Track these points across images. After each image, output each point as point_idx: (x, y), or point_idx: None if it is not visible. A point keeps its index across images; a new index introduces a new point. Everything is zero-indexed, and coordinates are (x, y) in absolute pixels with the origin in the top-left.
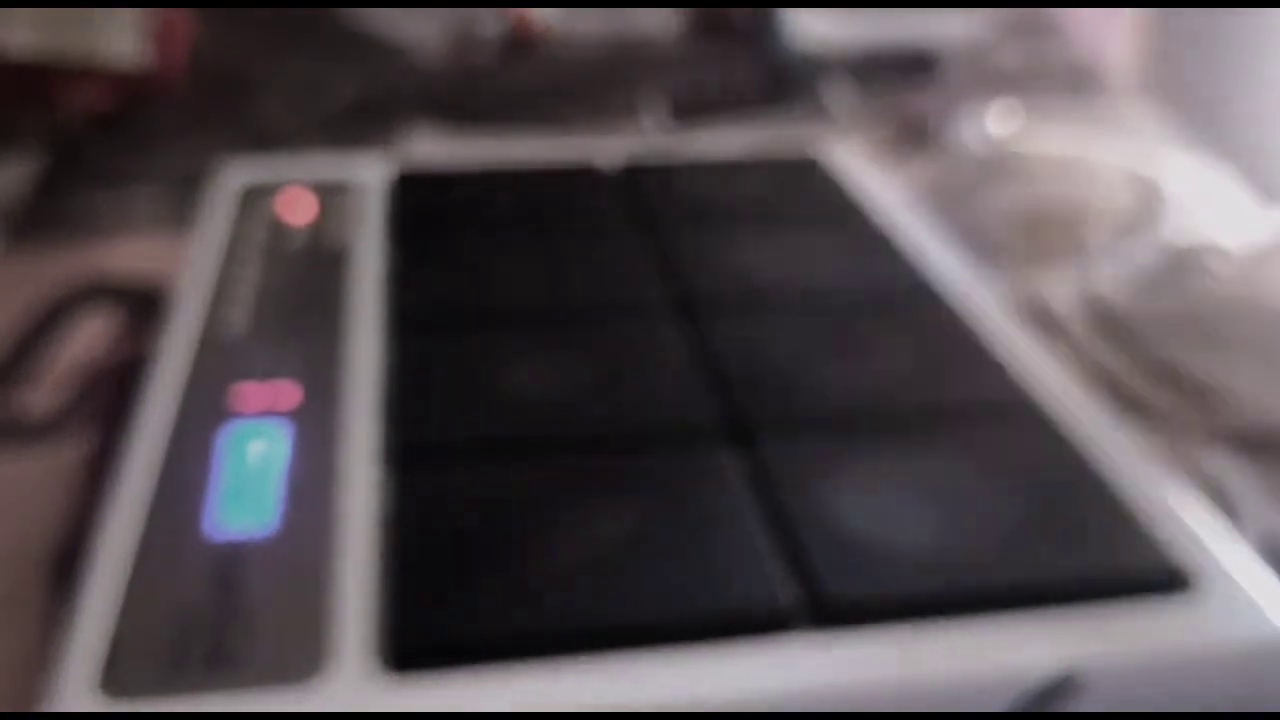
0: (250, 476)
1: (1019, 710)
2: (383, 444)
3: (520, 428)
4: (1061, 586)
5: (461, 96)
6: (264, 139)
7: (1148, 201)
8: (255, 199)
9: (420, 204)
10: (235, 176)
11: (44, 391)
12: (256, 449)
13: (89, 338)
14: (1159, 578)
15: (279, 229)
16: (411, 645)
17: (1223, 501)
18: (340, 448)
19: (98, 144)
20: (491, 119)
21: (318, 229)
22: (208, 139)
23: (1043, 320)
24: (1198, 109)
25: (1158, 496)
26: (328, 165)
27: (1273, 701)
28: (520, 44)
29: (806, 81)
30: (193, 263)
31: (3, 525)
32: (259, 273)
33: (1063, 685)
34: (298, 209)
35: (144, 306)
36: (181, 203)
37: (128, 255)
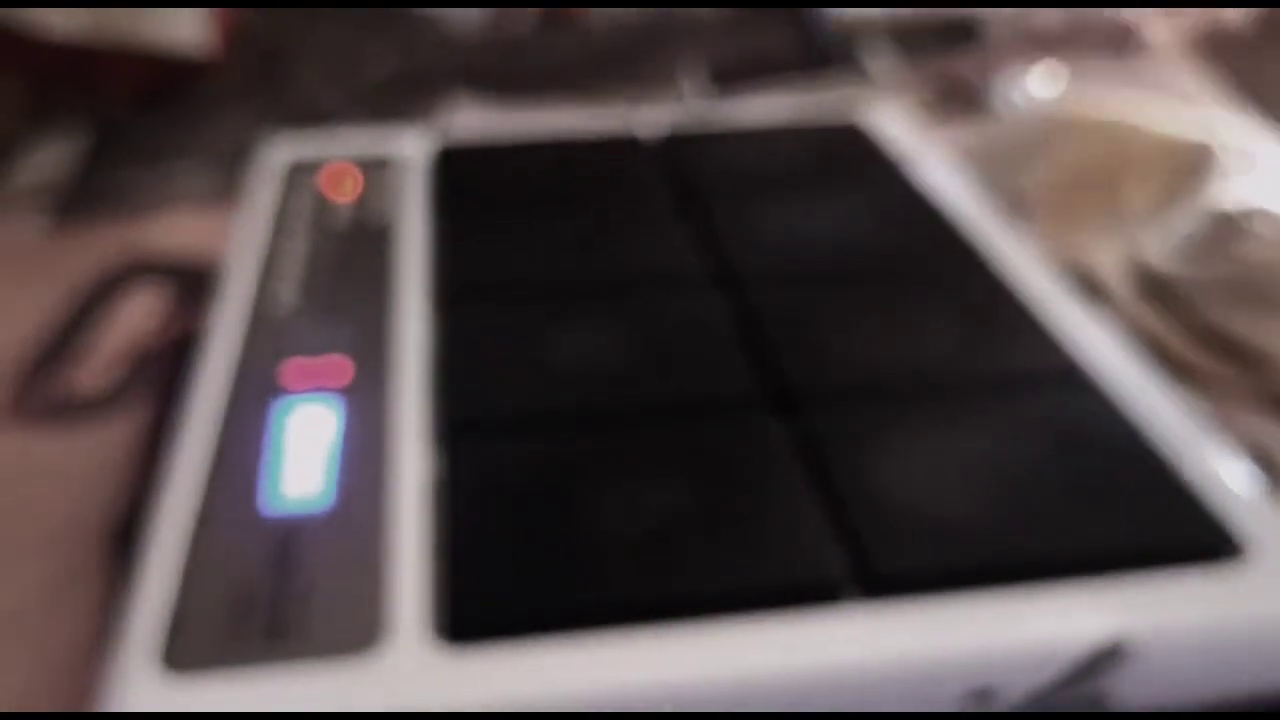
0: (304, 451)
1: (1067, 677)
2: (434, 418)
3: (569, 400)
4: (1110, 555)
5: (500, 68)
6: (305, 113)
7: (1193, 165)
8: (299, 174)
9: (463, 178)
10: (279, 152)
11: (94, 369)
12: (309, 424)
13: (137, 315)
14: (1209, 546)
15: (324, 204)
16: (468, 617)
17: (1273, 468)
18: (392, 422)
19: (141, 122)
20: (530, 90)
21: (362, 204)
22: (250, 114)
23: (1088, 285)
24: (1241, 70)
25: (1207, 463)
26: (370, 140)
27: None
28: (558, 15)
29: (846, 48)
30: (240, 239)
31: (57, 500)
32: (305, 248)
33: (1110, 653)
34: (342, 184)
35: (190, 283)
36: (225, 178)
37: (173, 232)
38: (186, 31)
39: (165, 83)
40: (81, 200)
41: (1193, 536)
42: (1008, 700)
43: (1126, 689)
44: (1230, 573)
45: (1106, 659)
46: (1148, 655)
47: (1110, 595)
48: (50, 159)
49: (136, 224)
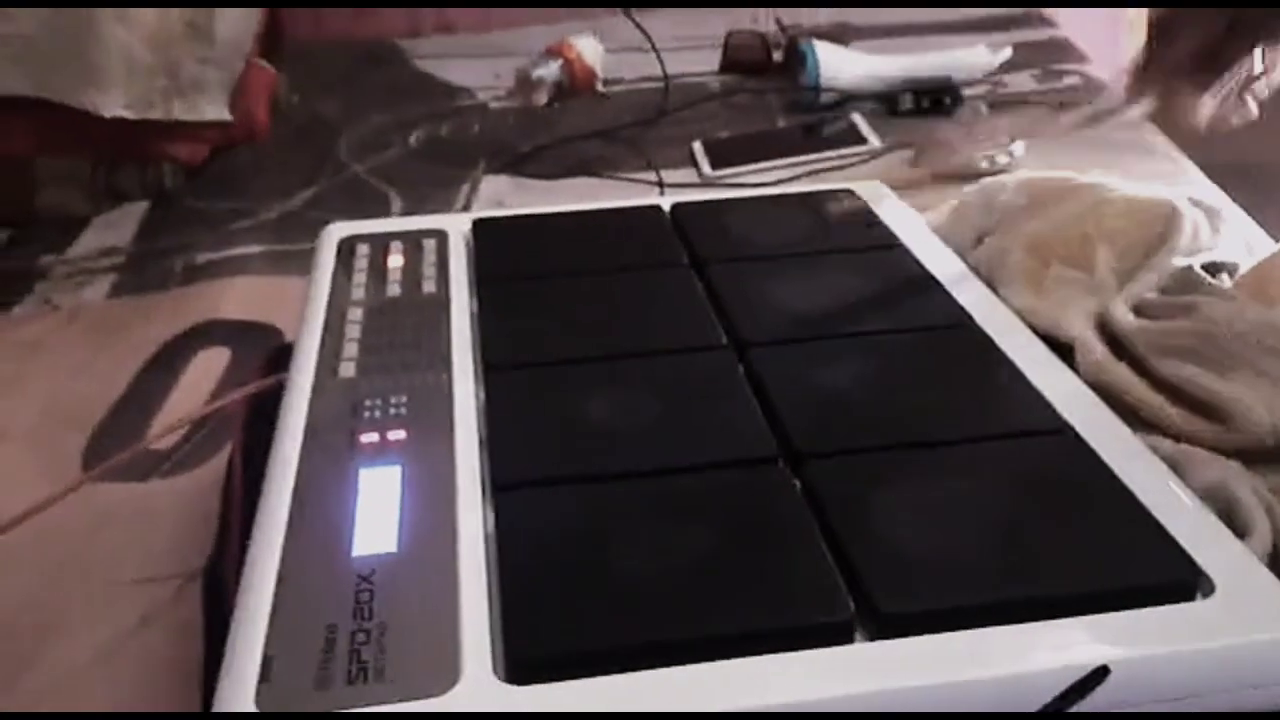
0: (373, 507)
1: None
2: (485, 477)
3: (605, 458)
4: (1094, 593)
5: (522, 141)
6: (347, 182)
7: (1160, 227)
8: (355, 253)
9: (498, 251)
10: (336, 233)
11: (165, 425)
12: (376, 482)
13: (203, 375)
14: (1183, 584)
15: (376, 279)
16: (525, 661)
17: (1235, 512)
18: (449, 480)
19: (193, 192)
20: (550, 162)
21: (410, 278)
22: (295, 182)
23: (1064, 344)
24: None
25: (1179, 509)
26: (414, 219)
27: None
28: (573, 88)
29: (838, 118)
30: (306, 314)
31: (136, 547)
32: (362, 320)
33: (1096, 680)
34: (391, 261)
35: (249, 343)
36: (274, 242)
37: (232, 297)
38: (209, 104)
39: (214, 153)
40: (140, 268)
41: (1169, 576)
42: None
43: (1110, 714)
44: (1202, 608)
45: (1091, 684)
46: (1130, 682)
47: (1095, 629)
48: (111, 231)
49: (199, 290)
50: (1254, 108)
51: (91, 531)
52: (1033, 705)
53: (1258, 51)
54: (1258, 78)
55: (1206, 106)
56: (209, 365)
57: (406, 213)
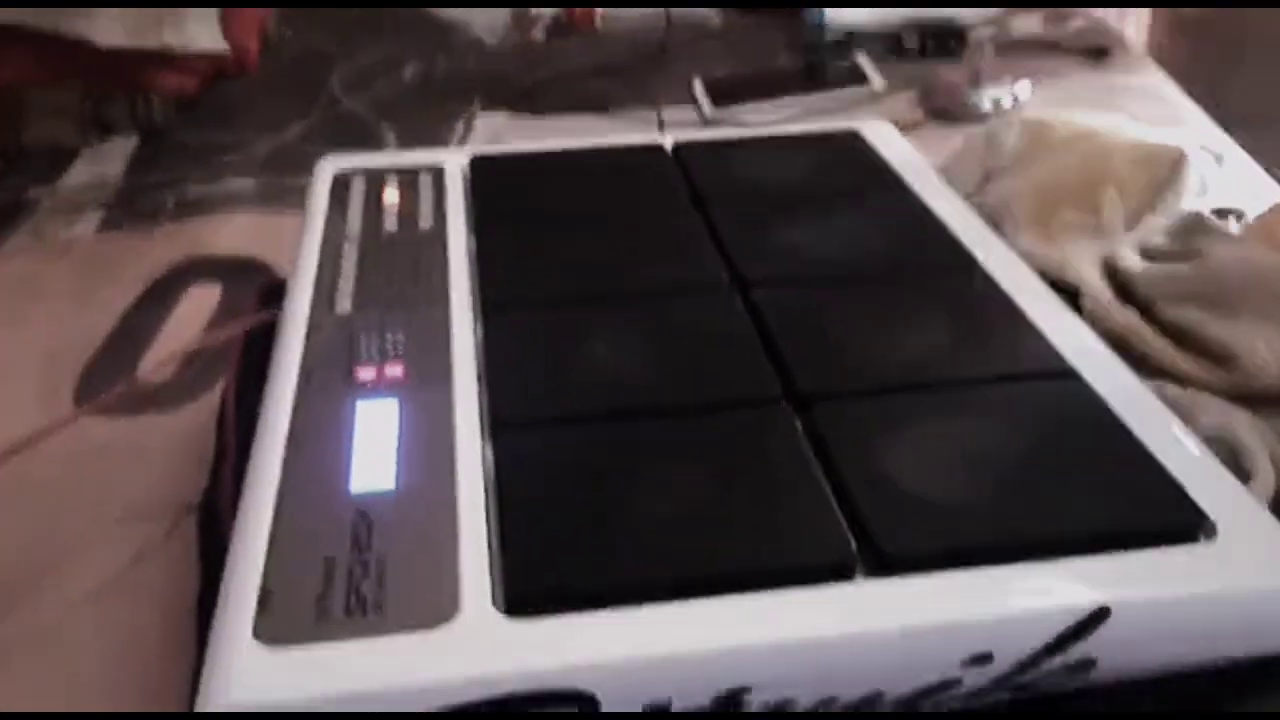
0: (370, 443)
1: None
2: (484, 415)
3: (604, 398)
4: (1096, 534)
5: (519, 76)
6: (334, 116)
7: (1168, 172)
8: (350, 187)
9: (496, 188)
10: (330, 167)
11: (157, 360)
12: (373, 418)
13: (194, 311)
14: (1185, 527)
15: (372, 214)
16: (525, 594)
17: (1238, 456)
18: (447, 417)
19: (184, 125)
20: (548, 98)
21: (406, 214)
22: (287, 116)
23: (1070, 288)
24: (1209, 80)
25: (1182, 452)
26: (411, 154)
27: None
28: (572, 25)
29: (842, 57)
30: (300, 248)
31: (129, 482)
32: (358, 255)
33: (1095, 620)
34: (387, 196)
35: (241, 279)
36: (266, 176)
37: (224, 233)
38: (200, 33)
39: (205, 86)
40: (131, 202)
41: (1171, 518)
42: (1003, 664)
43: (1109, 656)
44: (1204, 551)
45: (1091, 625)
46: (1129, 624)
47: (1096, 570)
48: (101, 165)
49: (190, 225)
50: None
51: (83, 467)
52: (1033, 645)
53: None
54: None
55: None
56: (200, 301)
57: (401, 147)
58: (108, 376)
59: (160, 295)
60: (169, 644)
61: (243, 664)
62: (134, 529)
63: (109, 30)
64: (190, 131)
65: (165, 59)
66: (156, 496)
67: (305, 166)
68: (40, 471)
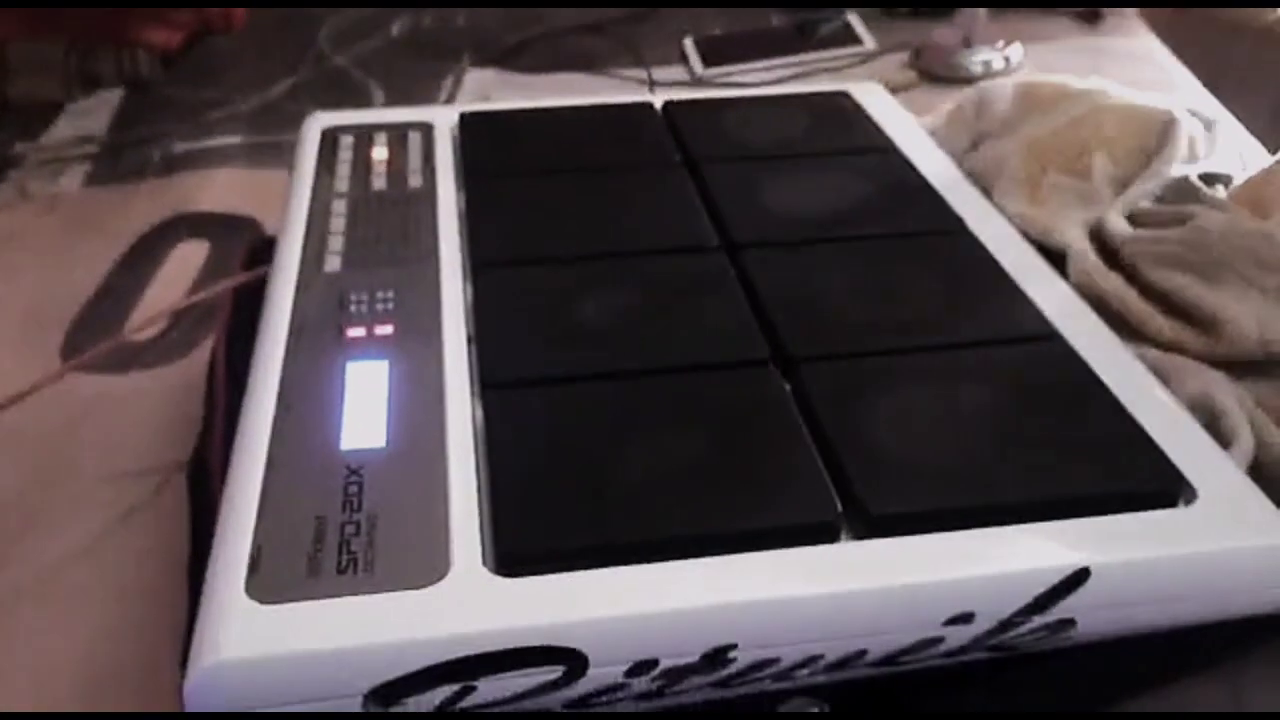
0: (361, 401)
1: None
2: (474, 374)
3: (593, 358)
4: (1078, 497)
5: (508, 33)
6: (327, 73)
7: (1157, 137)
8: (338, 145)
9: (486, 146)
10: (318, 124)
11: (145, 317)
12: (363, 377)
13: (182, 267)
14: (1165, 490)
15: (361, 172)
16: (515, 553)
17: (1219, 421)
18: (437, 376)
19: (171, 81)
20: (537, 56)
21: (395, 171)
22: (275, 72)
23: (1057, 251)
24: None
25: (1163, 416)
26: (400, 111)
27: (1261, 602)
28: None
29: (833, 17)
30: (289, 205)
31: (117, 439)
32: (347, 213)
33: (1075, 581)
34: (376, 154)
35: (228, 236)
36: (253, 132)
37: (211, 188)
38: None
39: (191, 40)
40: (117, 157)
41: (1151, 482)
42: (984, 624)
43: (1088, 616)
44: (1183, 514)
45: (1071, 586)
46: (1109, 585)
47: (1077, 532)
48: (86, 119)
49: (176, 181)
50: None
51: (71, 424)
52: (1015, 605)
53: None
54: None
55: None
56: (188, 257)
57: (389, 104)
58: (95, 332)
59: (147, 251)
60: (161, 599)
61: (235, 620)
62: (124, 485)
63: None
64: (177, 87)
65: (151, 13)
66: (146, 453)
67: (293, 123)
68: (28, 427)
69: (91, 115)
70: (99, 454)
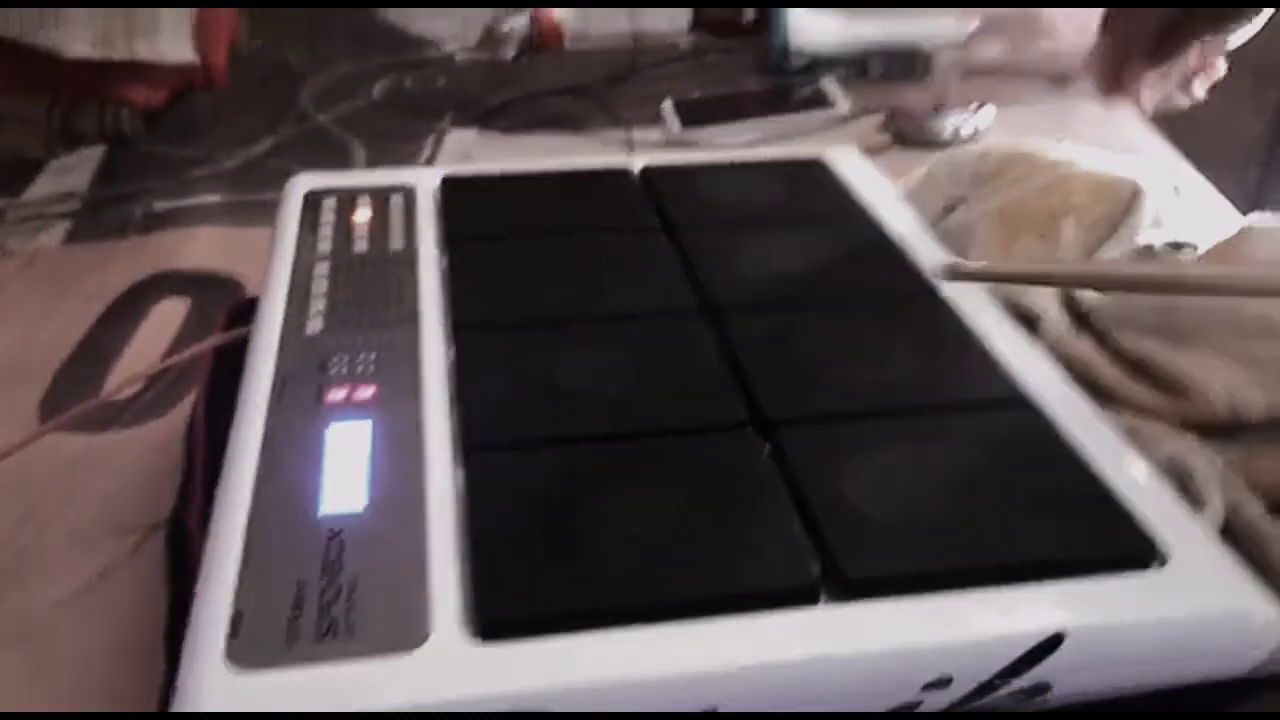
0: (342, 464)
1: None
2: (455, 436)
3: (574, 421)
4: (1051, 561)
5: (488, 94)
6: (309, 131)
7: (1124, 203)
8: (321, 207)
9: (467, 208)
10: (301, 186)
11: (124, 377)
12: (344, 439)
13: (162, 325)
14: (1137, 554)
15: (343, 233)
16: (496, 618)
17: (1191, 484)
18: (418, 440)
19: (153, 138)
20: (517, 116)
21: (377, 233)
22: (256, 130)
23: (1028, 316)
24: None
25: (1135, 480)
26: (382, 174)
27: (1232, 665)
28: (541, 43)
29: (808, 80)
30: (271, 267)
31: (94, 497)
32: (329, 274)
33: (1050, 645)
34: (359, 215)
35: (209, 294)
36: (234, 191)
37: (192, 246)
38: (171, 44)
39: (173, 97)
40: (99, 213)
41: (1123, 546)
42: (961, 688)
43: (1063, 680)
44: (1155, 578)
45: (1047, 650)
46: (1083, 649)
47: (1051, 596)
48: (70, 172)
49: (157, 238)
50: (1195, 93)
51: (48, 482)
52: (991, 670)
53: (1197, 47)
54: (1195, 73)
55: (1152, 87)
56: (169, 315)
57: (370, 163)
58: (74, 390)
59: (128, 309)
60: (136, 661)
61: (214, 687)
62: (99, 545)
63: (78, 41)
64: (158, 144)
65: (134, 70)
66: (123, 512)
67: (274, 181)
68: (3, 485)
69: (73, 172)
70: (75, 513)
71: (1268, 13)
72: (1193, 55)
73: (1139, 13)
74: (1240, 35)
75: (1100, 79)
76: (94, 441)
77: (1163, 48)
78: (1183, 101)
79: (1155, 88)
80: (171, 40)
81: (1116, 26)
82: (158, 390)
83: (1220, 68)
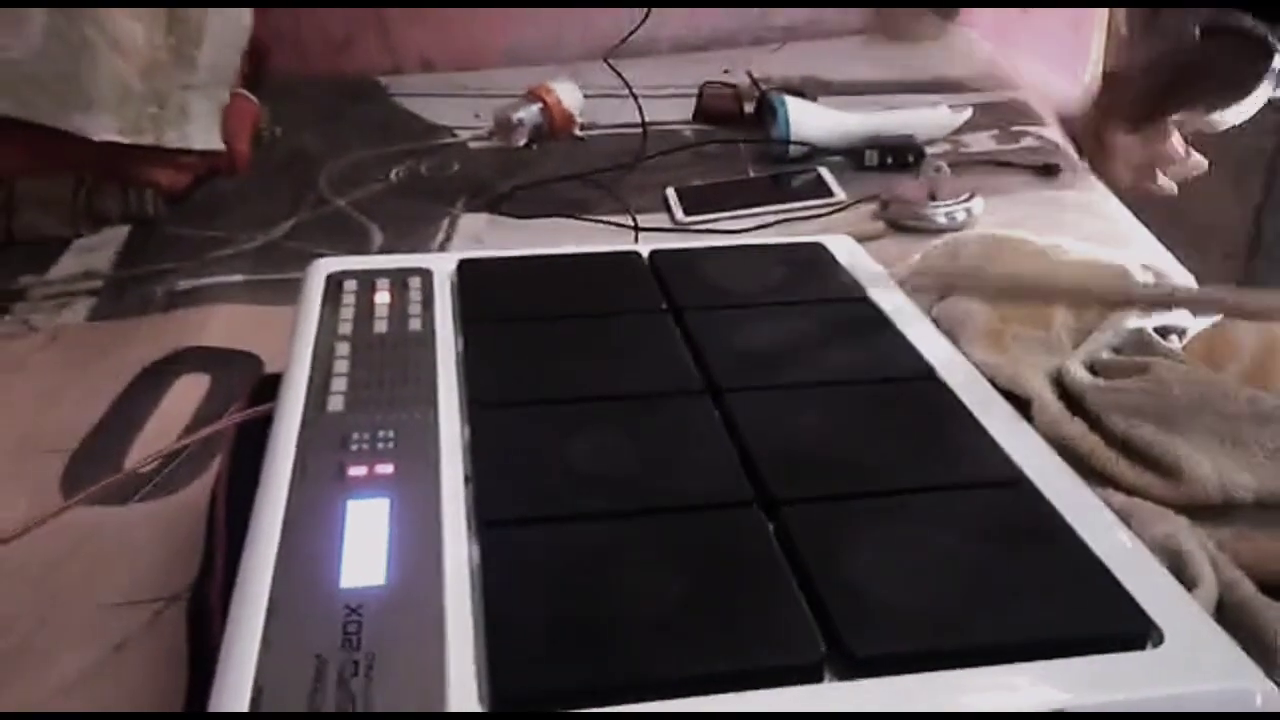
0: (361, 540)
1: None
2: (471, 513)
3: (585, 499)
4: (1050, 641)
5: (501, 180)
6: (327, 215)
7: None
8: (342, 289)
9: (482, 291)
10: (324, 268)
11: (146, 452)
12: (364, 516)
13: (182, 401)
14: (1135, 634)
15: (363, 316)
16: (512, 694)
17: (1183, 565)
18: (435, 516)
19: (175, 219)
20: (528, 202)
21: (396, 315)
22: (277, 213)
23: (1023, 400)
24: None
25: (1129, 560)
26: (400, 257)
27: None
28: (551, 131)
29: (806, 170)
30: (294, 347)
31: (115, 571)
32: (350, 355)
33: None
34: (378, 297)
35: (229, 370)
36: (254, 271)
37: (209, 323)
38: (204, 138)
39: (196, 181)
40: (121, 293)
41: (1121, 625)
42: None
43: None
44: (1151, 656)
45: None
46: None
47: (1051, 675)
48: (94, 251)
49: (179, 316)
50: (1172, 185)
51: (68, 554)
52: None
53: (1176, 139)
54: (1175, 160)
55: (1133, 152)
56: (189, 391)
57: (386, 246)
58: (96, 464)
59: (149, 384)
60: None
61: None
62: (118, 617)
63: (105, 126)
64: (181, 225)
65: (159, 154)
66: (141, 585)
67: (293, 262)
68: (25, 557)
69: (97, 251)
70: (94, 585)
71: (1254, 99)
72: (1175, 141)
73: (1123, 80)
74: (1230, 116)
75: (1084, 141)
76: (114, 514)
77: (1143, 113)
78: (1162, 186)
79: (1135, 156)
80: (200, 129)
81: (1103, 93)
82: (176, 465)
83: (1199, 162)
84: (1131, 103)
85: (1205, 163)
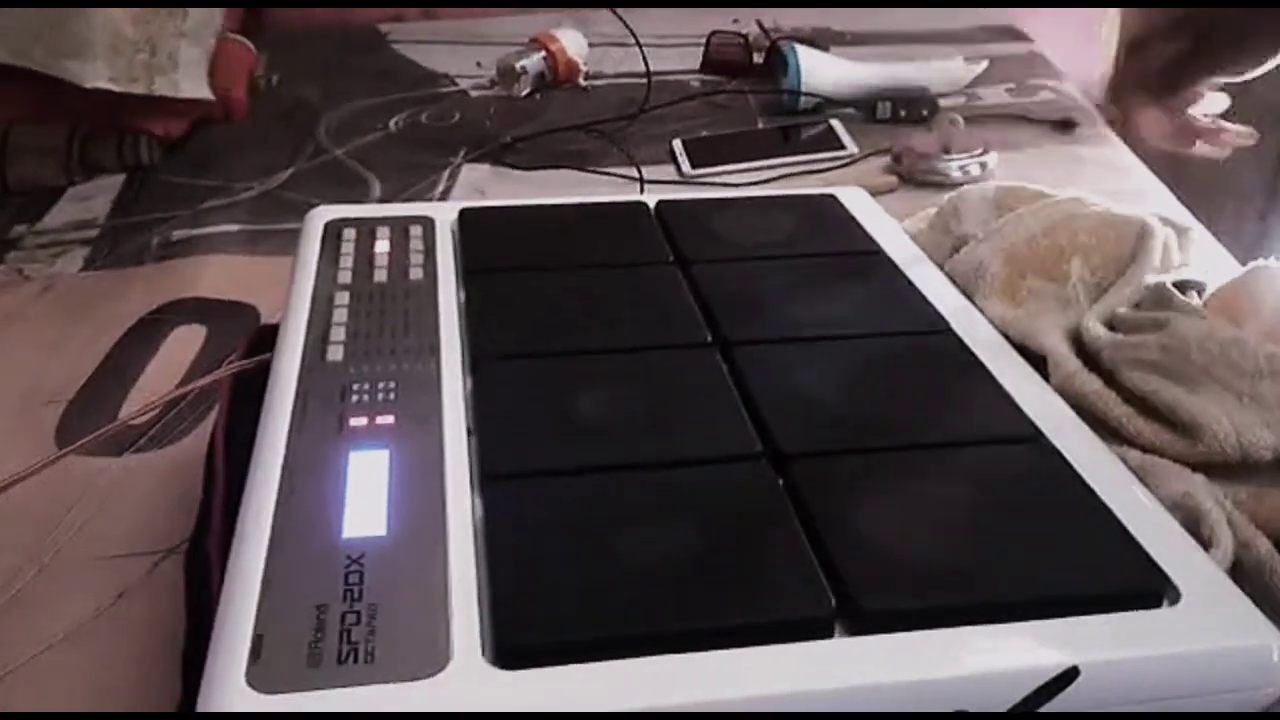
0: (362, 492)
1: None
2: (474, 466)
3: (590, 451)
4: (1065, 598)
5: (502, 131)
6: (323, 163)
7: (1130, 243)
8: (341, 238)
9: (485, 241)
10: (322, 216)
11: (142, 403)
12: (364, 467)
13: (178, 352)
14: (1150, 591)
15: (363, 265)
16: (514, 646)
17: (1201, 523)
18: (437, 468)
19: (171, 168)
20: (530, 153)
21: (397, 265)
22: (273, 161)
23: (1038, 355)
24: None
25: (1146, 518)
26: (400, 206)
27: (1247, 701)
28: (555, 81)
29: (815, 120)
30: (292, 296)
31: (112, 522)
32: (349, 304)
33: (1065, 681)
34: (379, 247)
35: (225, 321)
36: (251, 221)
37: (205, 273)
38: (192, 86)
39: (192, 129)
40: (117, 242)
41: (1136, 583)
42: None
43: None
44: (1168, 614)
45: (1061, 684)
46: (1097, 683)
47: (1065, 632)
48: (89, 199)
49: (174, 266)
50: (1218, 151)
51: (66, 506)
52: (1006, 703)
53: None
54: (1204, 131)
55: (1162, 122)
56: (185, 342)
57: (386, 197)
58: (91, 415)
59: (144, 335)
60: (152, 682)
61: (236, 710)
62: (117, 568)
63: (98, 73)
64: (177, 174)
65: (153, 101)
66: (138, 536)
67: (290, 212)
68: (22, 508)
69: (91, 200)
70: (92, 536)
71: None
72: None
73: (1150, 48)
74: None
75: (1111, 109)
76: (110, 465)
77: (1167, 84)
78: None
79: (1164, 127)
80: (188, 77)
81: (1130, 61)
82: (173, 416)
83: (1248, 133)
84: (1155, 74)
85: (1254, 134)
